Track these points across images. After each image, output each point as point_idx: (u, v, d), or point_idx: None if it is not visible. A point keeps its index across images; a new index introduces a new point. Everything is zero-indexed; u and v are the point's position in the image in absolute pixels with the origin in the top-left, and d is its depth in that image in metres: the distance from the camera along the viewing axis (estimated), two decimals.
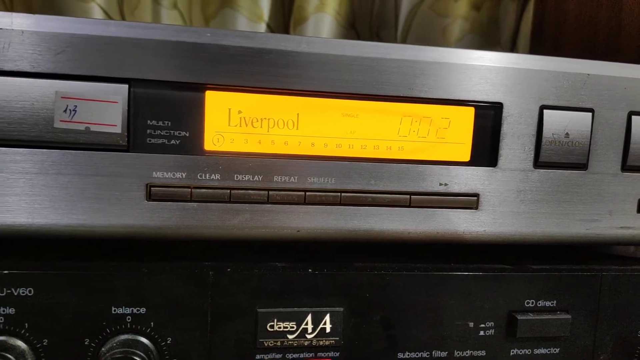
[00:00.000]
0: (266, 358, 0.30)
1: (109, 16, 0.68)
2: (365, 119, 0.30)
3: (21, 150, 0.27)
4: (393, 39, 0.77)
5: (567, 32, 0.65)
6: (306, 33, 0.68)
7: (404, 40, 0.78)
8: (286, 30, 0.71)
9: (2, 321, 0.28)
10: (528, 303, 0.33)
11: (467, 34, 0.76)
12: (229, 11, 0.69)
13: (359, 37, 0.73)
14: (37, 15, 0.26)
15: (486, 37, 0.78)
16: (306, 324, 0.30)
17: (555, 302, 0.33)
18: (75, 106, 0.27)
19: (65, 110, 0.27)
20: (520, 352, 0.33)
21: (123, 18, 0.70)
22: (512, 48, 0.82)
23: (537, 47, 0.74)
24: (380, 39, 0.78)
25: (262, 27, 0.69)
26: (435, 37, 0.77)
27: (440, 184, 0.31)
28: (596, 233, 0.33)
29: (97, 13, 0.67)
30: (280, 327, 0.30)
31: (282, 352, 0.30)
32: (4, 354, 0.27)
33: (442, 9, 0.76)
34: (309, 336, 0.31)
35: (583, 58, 0.59)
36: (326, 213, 0.30)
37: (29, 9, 0.64)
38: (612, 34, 0.57)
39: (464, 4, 0.76)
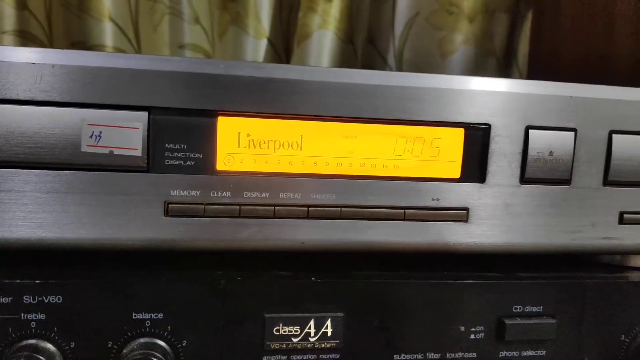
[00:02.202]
0: (273, 359, 0.33)
1: (122, 31, 0.71)
2: (363, 139, 0.33)
3: (52, 172, 0.30)
4: (389, 51, 0.80)
5: (563, 48, 0.68)
6: (310, 48, 0.71)
7: (401, 51, 0.81)
8: (286, 45, 0.74)
9: (34, 326, 0.31)
10: (516, 308, 0.36)
11: (461, 45, 0.79)
12: (235, 29, 0.72)
13: (355, 50, 0.76)
14: (65, 51, 0.29)
15: (481, 48, 0.81)
16: (309, 328, 0.33)
17: (541, 307, 0.36)
18: (100, 132, 0.29)
19: (91, 136, 0.29)
20: (509, 354, 0.36)
21: (137, 33, 0.73)
22: (508, 60, 0.85)
23: (535, 62, 0.76)
24: (378, 51, 0.81)
25: (264, 42, 0.73)
26: (431, 48, 0.80)
27: (433, 199, 0.34)
28: (580, 243, 0.36)
29: (109, 28, 0.70)
30: (285, 331, 0.33)
31: (287, 354, 0.33)
32: (35, 355, 0.30)
33: (437, 21, 0.79)
34: (311, 339, 0.33)
35: (578, 74, 0.62)
36: (328, 226, 0.33)
37: (67, 26, 0.67)
38: (604, 52, 0.60)
39: (458, 17, 0.79)
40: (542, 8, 0.74)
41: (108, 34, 0.69)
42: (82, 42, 0.69)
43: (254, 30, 0.74)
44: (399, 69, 0.83)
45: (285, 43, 0.77)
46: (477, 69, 0.83)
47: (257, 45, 0.76)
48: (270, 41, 0.75)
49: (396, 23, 0.81)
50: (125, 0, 0.71)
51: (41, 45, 0.72)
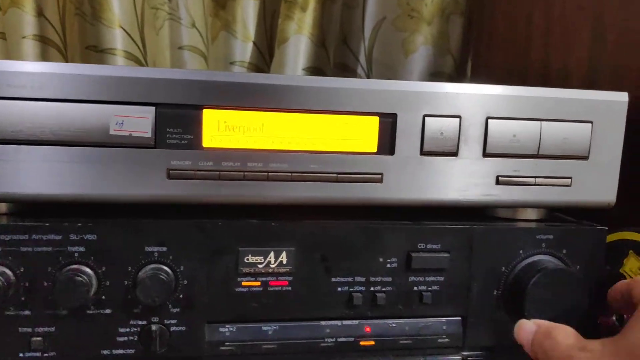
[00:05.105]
0: (245, 280, 0.47)
1: (130, 36, 0.85)
2: (307, 125, 0.46)
3: (90, 148, 0.43)
4: (360, 51, 0.94)
5: (495, 49, 0.81)
6: (287, 50, 0.84)
7: (370, 51, 0.95)
8: (269, 47, 0.88)
9: (77, 255, 0.44)
10: (420, 246, 0.49)
11: (421, 45, 0.92)
12: (226, 33, 0.85)
13: (327, 52, 0.89)
14: (99, 66, 0.43)
15: (438, 48, 0.94)
16: (270, 257, 0.47)
17: (439, 245, 0.49)
18: (123, 121, 0.43)
19: (117, 124, 0.43)
20: (416, 279, 0.49)
21: (142, 37, 0.86)
22: (465, 58, 0.98)
23: (477, 59, 0.90)
24: (351, 51, 0.95)
25: (250, 45, 0.86)
26: (395, 48, 0.93)
27: (357, 167, 0.47)
28: (467, 199, 0.49)
29: (119, 34, 0.83)
30: (253, 260, 0.47)
31: (255, 276, 0.47)
32: (78, 273, 0.43)
33: (400, 24, 0.92)
34: (272, 266, 0.47)
35: (506, 73, 0.76)
36: (282, 187, 0.46)
37: (82, 32, 0.80)
38: (524, 58, 0.73)
39: (418, 20, 0.92)
40: (482, 17, 0.87)
41: (118, 39, 0.82)
42: (95, 46, 0.83)
43: (241, 35, 0.88)
44: (369, 67, 0.97)
45: (268, 46, 0.90)
46: (435, 66, 0.97)
47: (244, 48, 0.89)
48: (255, 44, 0.89)
49: (366, 26, 0.95)
50: (132, 10, 0.84)
51: (57, 48, 0.86)
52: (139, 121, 0.43)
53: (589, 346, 0.36)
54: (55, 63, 0.42)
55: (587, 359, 0.35)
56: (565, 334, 0.38)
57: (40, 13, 0.84)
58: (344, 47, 0.95)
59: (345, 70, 0.96)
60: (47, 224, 0.44)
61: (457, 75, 0.97)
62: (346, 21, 0.93)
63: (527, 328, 0.42)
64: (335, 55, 0.93)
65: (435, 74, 0.97)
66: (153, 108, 0.43)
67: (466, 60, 0.98)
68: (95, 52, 0.82)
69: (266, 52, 0.90)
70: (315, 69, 0.90)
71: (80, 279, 0.43)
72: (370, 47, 0.95)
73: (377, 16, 0.94)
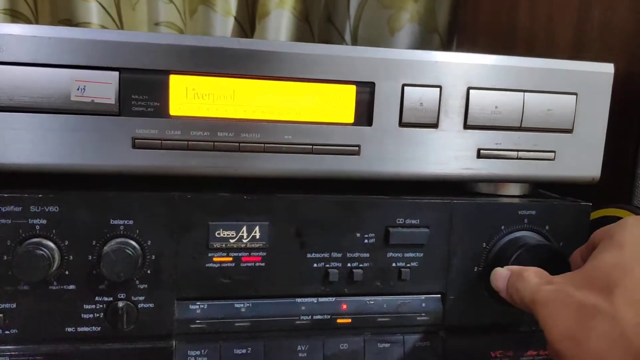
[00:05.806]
0: (215, 255, 0.45)
1: (105, 10, 0.82)
2: (281, 93, 0.44)
3: (50, 115, 0.41)
4: (346, 28, 0.91)
5: (480, 26, 0.79)
6: (268, 25, 0.82)
7: (356, 29, 0.92)
8: (251, 22, 0.85)
9: (38, 228, 0.42)
10: (399, 221, 0.47)
11: (407, 23, 0.90)
12: (205, 8, 0.83)
13: (311, 27, 0.87)
14: (59, 27, 0.40)
15: (425, 25, 0.92)
16: (242, 232, 0.45)
17: (418, 220, 0.48)
18: (85, 86, 0.41)
19: (78, 89, 0.41)
20: (394, 255, 0.48)
21: (119, 12, 0.83)
22: (451, 36, 0.96)
23: (463, 36, 0.88)
24: (336, 28, 0.92)
25: (231, 20, 0.83)
26: (381, 25, 0.91)
27: (333, 138, 0.45)
28: (446, 172, 0.48)
29: (94, 7, 0.81)
30: (224, 235, 0.45)
31: (226, 251, 0.45)
32: (40, 247, 0.41)
33: (386, 1, 0.90)
34: (244, 241, 0.45)
35: (491, 45, 0.74)
36: (255, 158, 0.44)
37: (55, 5, 0.77)
38: (510, 28, 0.71)
39: None
40: None
41: (93, 13, 0.79)
42: (68, 19, 0.80)
43: (221, 9, 0.85)
44: (355, 45, 0.94)
45: (250, 21, 0.88)
46: (422, 44, 0.95)
47: (225, 23, 0.86)
48: (236, 19, 0.86)
49: (351, 3, 0.92)
50: None
51: (28, 22, 0.83)
52: (102, 87, 0.41)
53: (554, 280, 0.40)
54: (11, 24, 0.40)
55: (552, 290, 0.39)
56: (534, 273, 0.42)
57: None
58: (328, 24, 0.93)
59: None
60: (6, 195, 0.42)
61: None
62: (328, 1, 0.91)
63: (501, 274, 0.45)
64: (320, 32, 0.91)
65: None
66: (117, 73, 0.41)
67: (453, 38, 0.96)
68: (69, 26, 0.80)
69: (248, 28, 0.87)
70: None
71: (41, 252, 0.41)
72: (355, 24, 0.92)
73: None
